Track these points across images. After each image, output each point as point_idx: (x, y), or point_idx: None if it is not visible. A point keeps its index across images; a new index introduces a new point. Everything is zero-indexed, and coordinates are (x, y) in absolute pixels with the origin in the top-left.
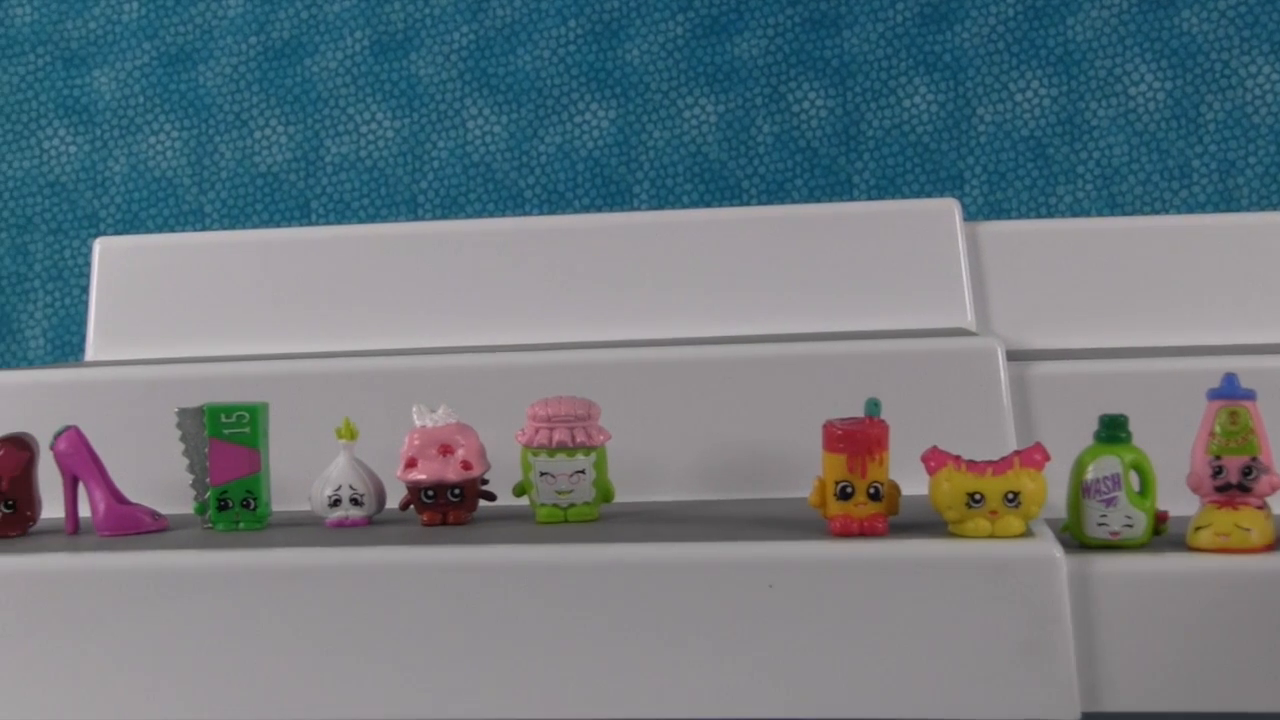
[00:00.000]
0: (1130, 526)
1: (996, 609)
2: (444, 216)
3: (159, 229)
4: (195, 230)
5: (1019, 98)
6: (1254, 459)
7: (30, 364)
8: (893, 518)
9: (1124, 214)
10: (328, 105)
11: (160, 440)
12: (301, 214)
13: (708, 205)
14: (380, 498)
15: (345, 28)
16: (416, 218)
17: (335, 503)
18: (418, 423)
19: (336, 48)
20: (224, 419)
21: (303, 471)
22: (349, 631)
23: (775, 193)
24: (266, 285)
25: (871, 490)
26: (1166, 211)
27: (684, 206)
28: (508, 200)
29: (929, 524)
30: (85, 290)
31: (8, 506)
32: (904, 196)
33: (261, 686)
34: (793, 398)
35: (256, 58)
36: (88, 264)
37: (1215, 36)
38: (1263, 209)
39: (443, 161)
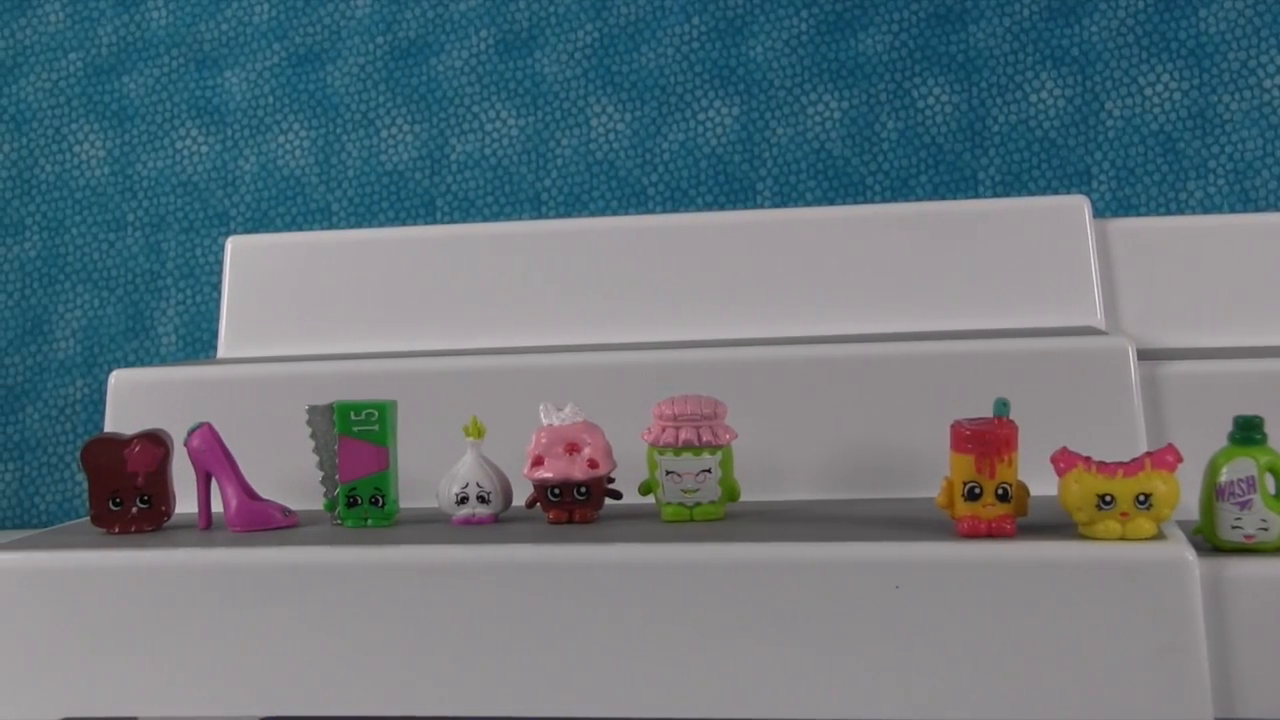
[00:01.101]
0: (1265, 530)
1: (1127, 612)
2: (568, 214)
3: (287, 227)
4: (323, 229)
5: (1148, 91)
6: None
7: (163, 361)
8: (1021, 519)
9: (1257, 210)
10: (453, 104)
11: (291, 437)
12: (426, 212)
13: (831, 202)
14: (507, 495)
15: (470, 27)
16: (541, 215)
17: (462, 500)
18: (544, 421)
19: (462, 47)
20: (353, 416)
21: (430, 469)
22: (476, 628)
23: (899, 189)
24: (393, 283)
25: (1000, 491)
26: None
27: (807, 204)
28: (631, 198)
29: (1058, 525)
30: (217, 288)
31: (143, 502)
32: (1030, 193)
33: (390, 682)
34: (920, 397)
35: (383, 57)
36: (219, 262)
37: None
38: None
39: (566, 159)
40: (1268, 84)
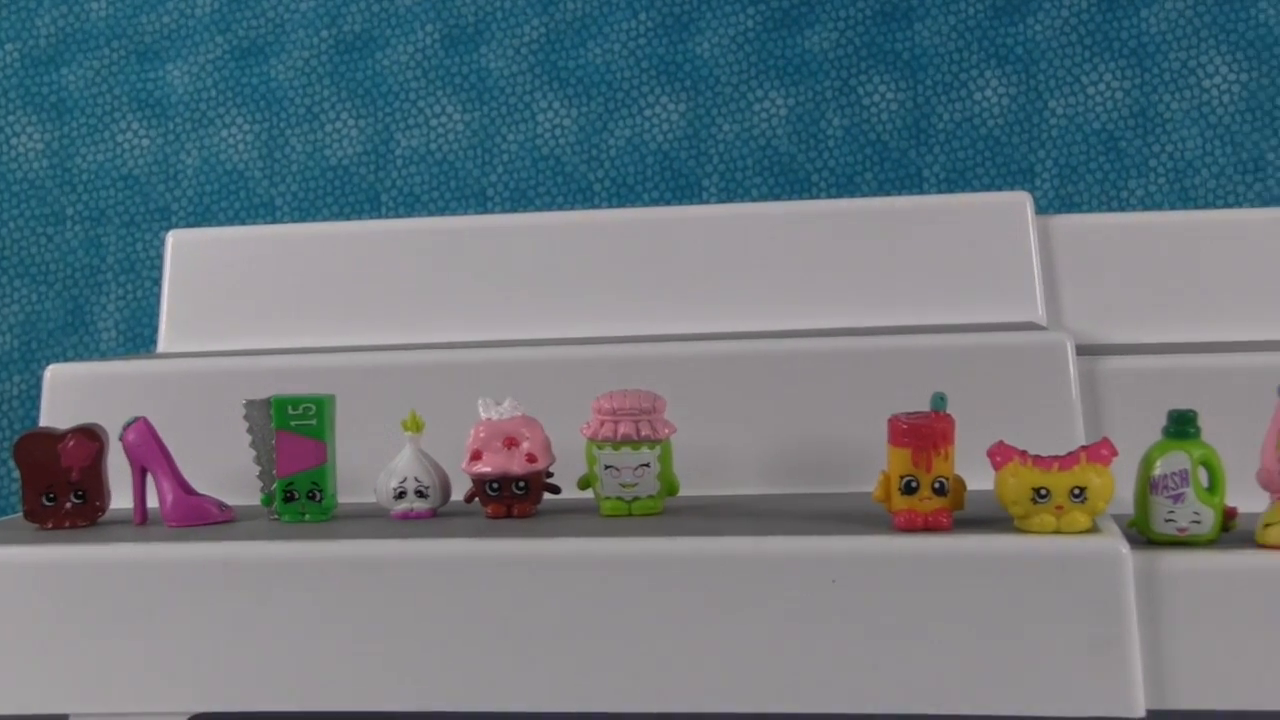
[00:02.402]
0: (1198, 523)
1: (1061, 605)
2: (513, 209)
3: (230, 222)
4: (266, 223)
5: (1090, 90)
6: None
7: (103, 355)
8: (958, 513)
9: (1196, 208)
10: (398, 99)
11: (228, 432)
12: (371, 207)
13: (777, 199)
14: (445, 490)
15: (416, 21)
16: (485, 211)
17: (400, 495)
18: (483, 415)
19: (407, 41)
20: (291, 411)
21: (369, 463)
22: (413, 623)
23: (845, 186)
24: (336, 278)
25: (936, 485)
26: (1240, 205)
27: (753, 200)
28: (576, 193)
29: (994, 519)
30: (157, 283)
31: (78, 497)
32: (974, 190)
33: (325, 677)
34: (859, 392)
35: (328, 51)
36: (160, 256)
37: None
38: None
39: (512, 155)
40: (1207, 84)
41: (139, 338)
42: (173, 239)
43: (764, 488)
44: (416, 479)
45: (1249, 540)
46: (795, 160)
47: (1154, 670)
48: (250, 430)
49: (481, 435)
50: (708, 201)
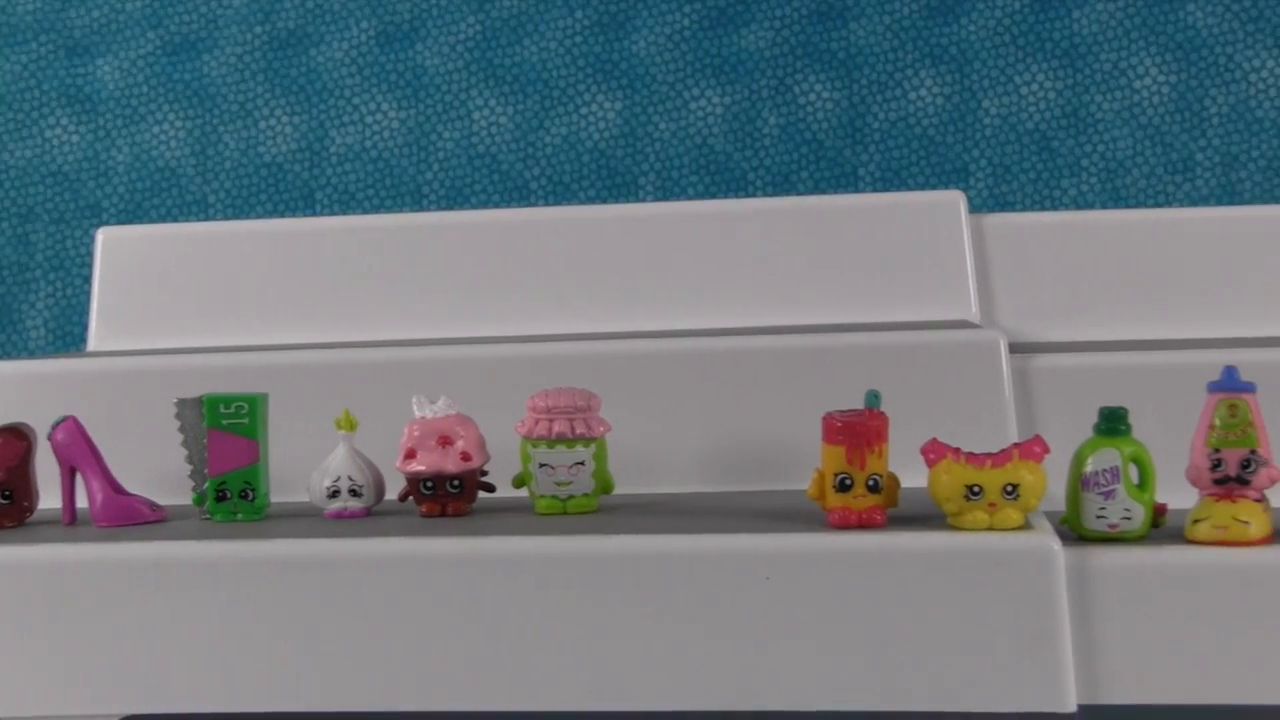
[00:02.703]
0: (1129, 519)
1: (994, 601)
2: (448, 207)
3: (162, 219)
4: (198, 220)
5: (1024, 91)
6: (1253, 452)
7: (32, 354)
8: (892, 510)
9: (1127, 207)
10: (333, 95)
11: (159, 431)
12: (305, 204)
13: (713, 197)
14: (379, 489)
15: (351, 18)
16: (421, 209)
17: (334, 494)
18: (417, 414)
19: (342, 38)
20: (223, 409)
21: (302, 462)
22: (347, 623)
23: (780, 185)
24: (269, 276)
25: (870, 482)
26: (1170, 204)
27: (689, 198)
28: (513, 191)
29: (928, 516)
30: (87, 280)
31: (4, 497)
32: (909, 189)
33: (258, 677)
34: (794, 390)
35: (261, 47)
36: (90, 254)
37: (1219, 30)
38: (1265, 202)
39: (448, 152)
40: (1137, 85)
41: (68, 336)
42: (103, 236)
43: (699, 486)
44: (350, 478)
45: (1179, 536)
46: (731, 159)
47: (1085, 665)
48: (182, 429)
49: (416, 434)
50: (644, 200)
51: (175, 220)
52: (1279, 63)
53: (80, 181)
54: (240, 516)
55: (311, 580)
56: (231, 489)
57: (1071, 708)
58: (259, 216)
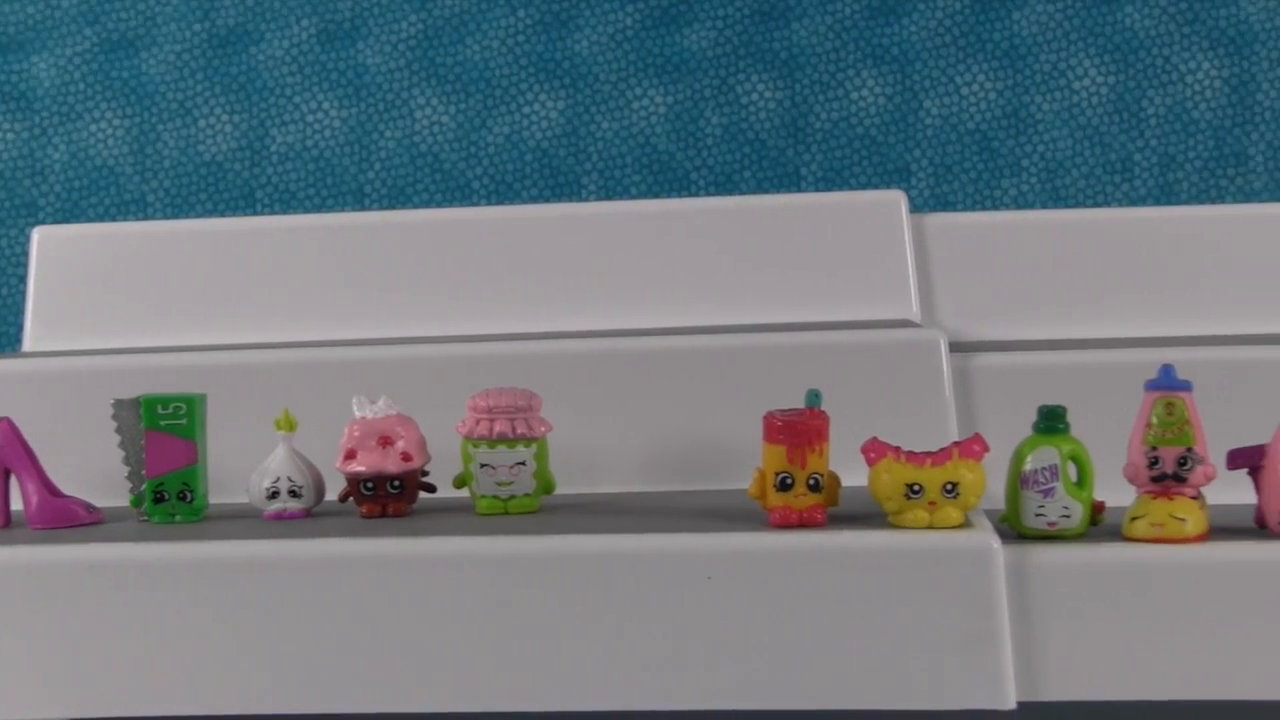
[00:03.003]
0: (1067, 517)
1: (934, 599)
2: (390, 207)
3: (99, 218)
4: (137, 220)
5: (965, 91)
6: (1189, 450)
7: None
8: (832, 509)
9: (1067, 207)
10: (273, 94)
11: (96, 432)
12: (246, 204)
13: (655, 197)
14: (319, 490)
15: (291, 15)
16: (363, 208)
17: (273, 495)
18: (358, 414)
19: (283, 36)
20: (160, 410)
21: (241, 463)
22: (286, 625)
23: (723, 184)
24: (208, 276)
25: (811, 481)
26: (1108, 204)
27: (632, 198)
28: (455, 191)
29: (868, 515)
30: (23, 280)
31: None
32: (851, 189)
33: (196, 680)
34: (735, 389)
35: (201, 45)
36: (25, 253)
37: (1156, 32)
38: (1201, 203)
39: (390, 151)
40: (1076, 85)
41: (3, 336)
42: (39, 235)
43: (640, 485)
44: (290, 479)
45: (1116, 533)
46: (674, 158)
47: (1025, 662)
48: (119, 430)
49: (356, 434)
50: (587, 199)
51: (113, 219)
52: (1214, 65)
53: (16, 180)
54: (178, 518)
55: (251, 582)
56: (169, 490)
57: (1011, 705)
58: (198, 216)
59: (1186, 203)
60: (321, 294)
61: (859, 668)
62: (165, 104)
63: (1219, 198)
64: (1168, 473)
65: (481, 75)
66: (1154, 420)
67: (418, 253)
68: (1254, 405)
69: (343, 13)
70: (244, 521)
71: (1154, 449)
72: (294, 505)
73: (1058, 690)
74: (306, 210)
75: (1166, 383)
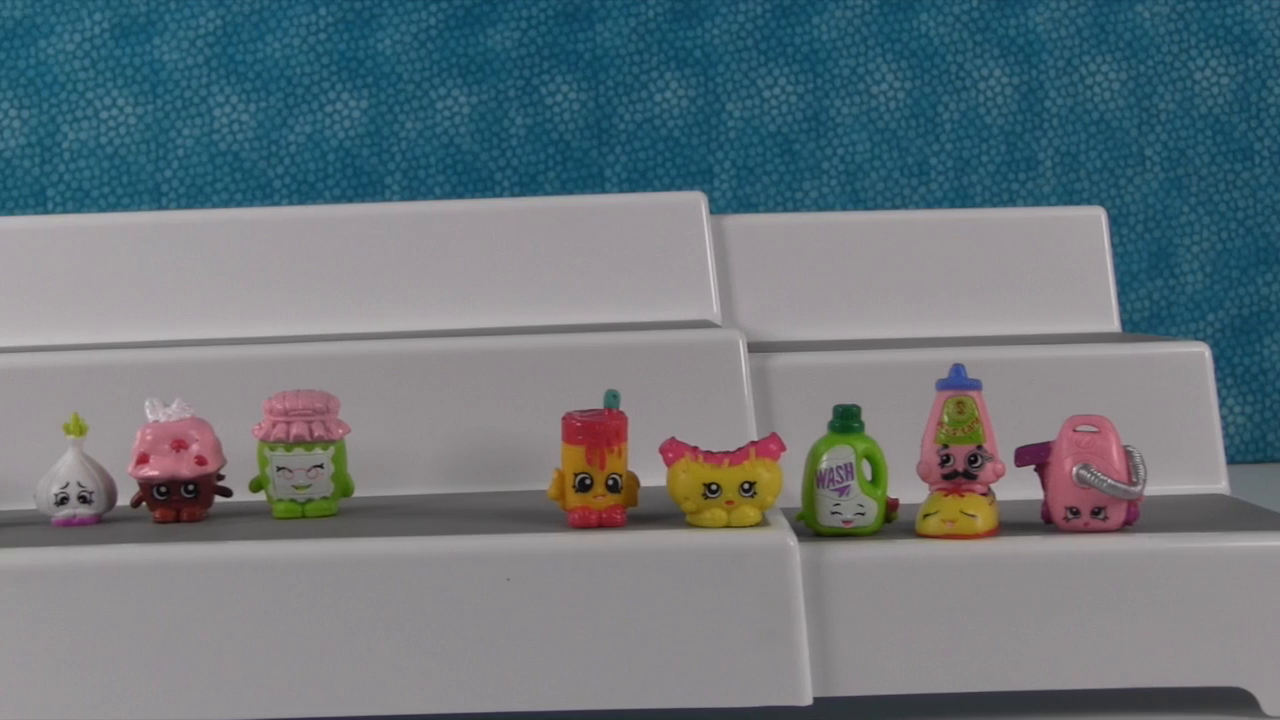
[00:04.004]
0: (862, 514)
1: (732, 597)
2: (189, 206)
3: None
4: None
5: (766, 94)
6: (979, 447)
7: None
8: (631, 509)
9: (865, 209)
10: (64, 89)
11: None
12: (36, 202)
13: (459, 197)
14: (110, 495)
15: (83, 9)
16: (160, 207)
17: (63, 500)
18: (150, 417)
19: (74, 29)
20: None
21: (28, 469)
22: (77, 634)
23: (527, 185)
24: None
25: (610, 482)
26: (905, 207)
27: (435, 198)
28: (255, 190)
29: (667, 515)
30: None
31: None
32: (656, 190)
33: None
34: (534, 390)
35: None
36: None
37: (950, 39)
38: (993, 205)
39: (188, 150)
40: (874, 90)
41: None
42: None
43: (440, 487)
44: (79, 484)
45: (910, 530)
46: (479, 159)
47: (821, 659)
48: None
49: (148, 438)
50: (390, 199)
51: None
52: (1005, 72)
53: None
54: None
55: (39, 590)
56: None
57: (807, 701)
58: None
59: (979, 205)
60: (114, 294)
61: (658, 667)
62: None
63: (1010, 201)
64: (959, 470)
65: (282, 73)
66: (945, 419)
67: (215, 253)
68: (1041, 403)
69: (137, 7)
70: (31, 529)
71: (945, 447)
72: (84, 511)
73: (854, 685)
74: (101, 209)
75: (957, 382)
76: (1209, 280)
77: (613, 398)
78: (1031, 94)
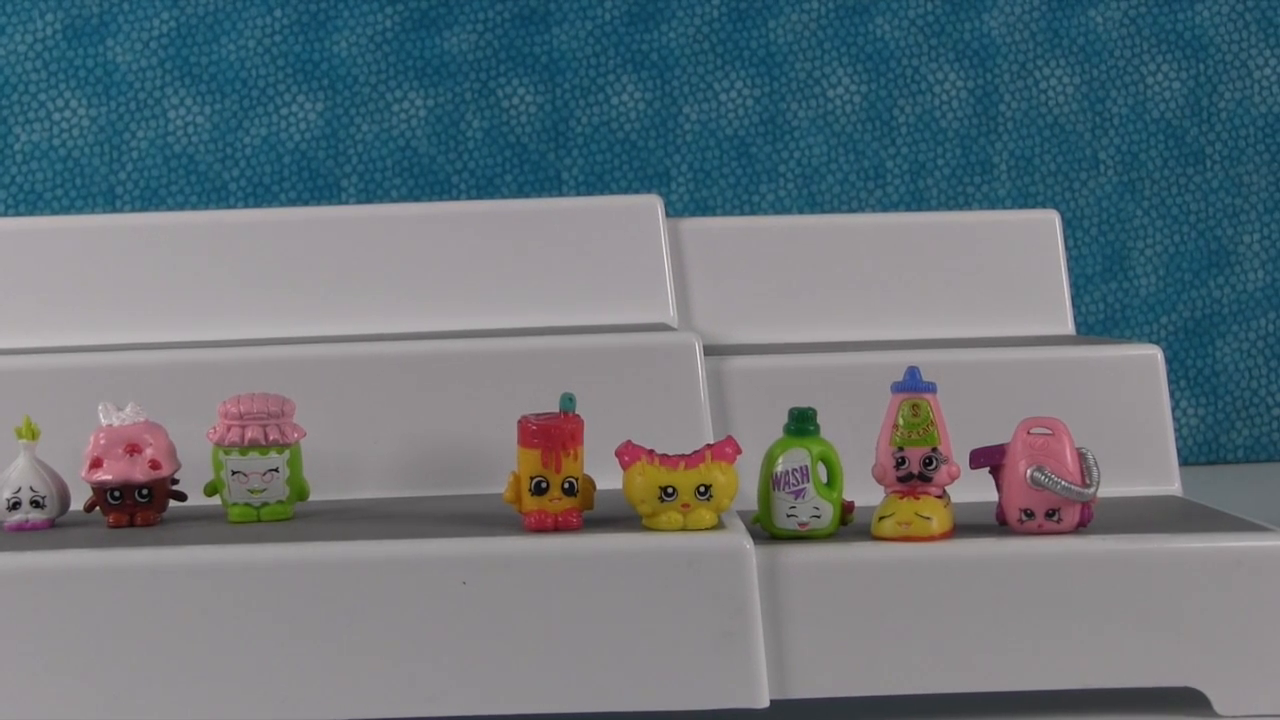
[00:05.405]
0: (818, 517)
1: (688, 600)
2: (143, 208)
3: None
4: None
5: (723, 98)
6: (934, 450)
7: None
8: (587, 512)
9: (822, 212)
10: (15, 91)
11: None
12: None
13: (416, 200)
14: (64, 499)
15: (35, 9)
16: (114, 210)
17: (15, 505)
18: (104, 421)
19: (26, 30)
20: None
21: None
22: (29, 639)
23: (484, 188)
24: None
25: (566, 485)
26: (861, 210)
27: (392, 201)
28: (211, 193)
29: (623, 518)
30: None
31: None
32: (613, 193)
33: None
34: (490, 393)
35: None
36: None
37: (905, 43)
38: (949, 208)
39: (142, 152)
40: (830, 94)
41: None
42: None
43: (396, 490)
44: (32, 489)
45: (865, 533)
46: (435, 162)
47: (777, 661)
48: None
49: (102, 442)
50: (346, 202)
51: None
52: (960, 76)
53: None
54: None
55: None
56: None
57: (764, 703)
58: None
59: (935, 208)
60: (67, 297)
61: (615, 669)
62: None
63: (966, 204)
64: (914, 473)
65: (237, 75)
66: (900, 421)
67: (170, 256)
68: (995, 406)
69: (90, 8)
70: None
71: (900, 449)
72: (36, 516)
73: (810, 687)
74: (54, 211)
75: (912, 385)
76: (1162, 283)
77: (569, 401)
78: (986, 98)
